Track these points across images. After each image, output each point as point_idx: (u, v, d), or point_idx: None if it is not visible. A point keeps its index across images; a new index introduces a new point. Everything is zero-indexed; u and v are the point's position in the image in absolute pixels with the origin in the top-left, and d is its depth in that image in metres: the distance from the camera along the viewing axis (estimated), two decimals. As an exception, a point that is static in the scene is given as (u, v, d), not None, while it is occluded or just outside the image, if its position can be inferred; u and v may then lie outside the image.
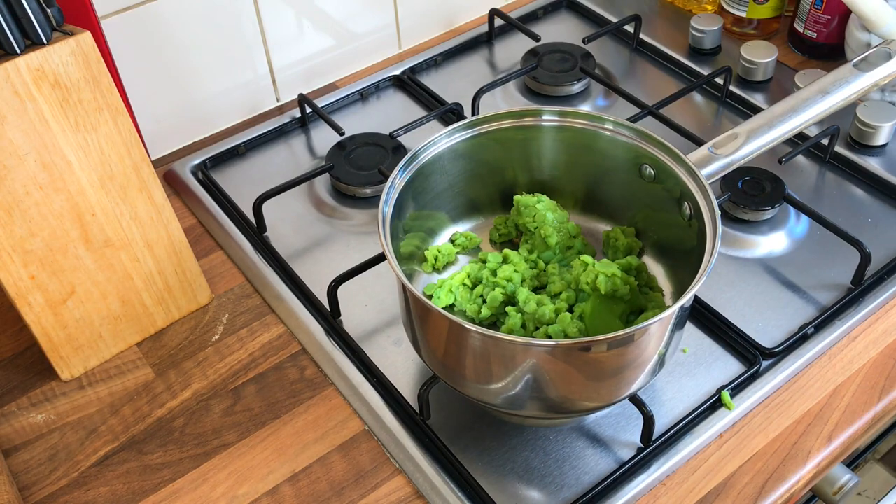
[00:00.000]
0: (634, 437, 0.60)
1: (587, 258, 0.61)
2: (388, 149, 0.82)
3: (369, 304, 0.70)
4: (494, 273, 0.64)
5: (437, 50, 0.97)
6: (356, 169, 0.80)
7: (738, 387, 0.63)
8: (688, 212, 0.60)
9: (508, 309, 0.61)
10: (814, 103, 0.66)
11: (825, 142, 0.81)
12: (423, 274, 0.68)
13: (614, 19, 0.99)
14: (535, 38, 0.93)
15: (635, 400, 0.59)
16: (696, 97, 0.91)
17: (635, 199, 0.65)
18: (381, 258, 0.68)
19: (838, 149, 0.82)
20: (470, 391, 0.57)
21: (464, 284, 0.64)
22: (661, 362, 0.58)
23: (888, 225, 0.76)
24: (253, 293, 0.72)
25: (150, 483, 0.60)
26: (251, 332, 0.69)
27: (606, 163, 0.64)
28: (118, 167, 0.59)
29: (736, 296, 0.70)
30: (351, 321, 0.69)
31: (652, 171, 0.62)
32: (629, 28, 0.97)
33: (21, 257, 0.58)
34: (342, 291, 0.68)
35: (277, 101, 0.92)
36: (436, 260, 0.67)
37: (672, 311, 0.52)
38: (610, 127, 0.63)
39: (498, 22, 0.99)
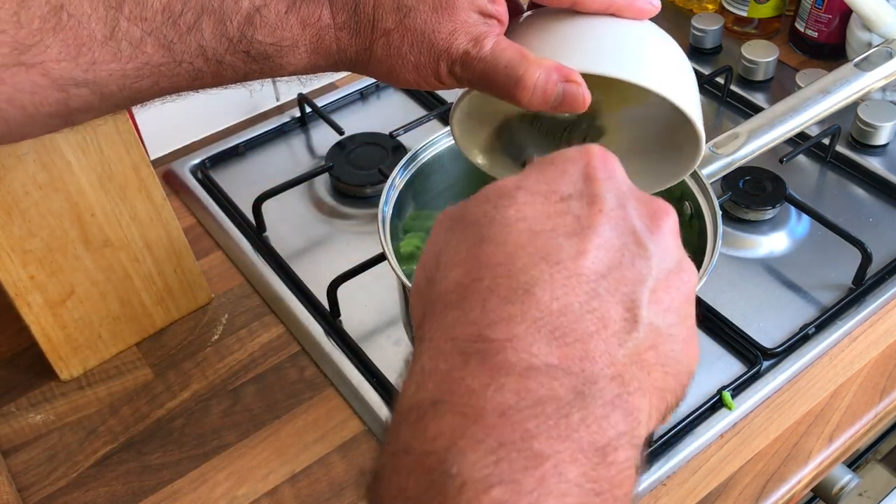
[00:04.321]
0: (635, 437, 0.60)
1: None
2: (388, 149, 0.82)
3: (369, 304, 0.70)
4: (494, 273, 0.64)
5: (437, 49, 0.96)
6: (356, 169, 0.80)
7: (738, 387, 0.63)
8: (688, 211, 0.60)
9: (508, 309, 0.61)
10: (815, 103, 0.66)
11: (826, 141, 0.81)
12: (423, 274, 0.68)
13: (615, 19, 0.99)
14: (536, 37, 0.93)
15: (636, 400, 0.59)
16: (697, 97, 0.91)
17: (636, 198, 0.65)
18: (381, 258, 0.68)
19: (839, 148, 0.81)
20: (470, 391, 0.56)
21: (464, 284, 0.64)
22: (661, 362, 0.58)
23: (889, 225, 0.75)
24: (252, 293, 0.72)
25: (149, 483, 0.60)
26: (251, 332, 0.69)
27: (607, 162, 0.64)
28: (117, 167, 0.59)
29: (737, 296, 0.70)
30: (351, 321, 0.68)
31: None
32: (630, 27, 0.97)
33: (20, 257, 0.58)
34: (342, 291, 0.68)
35: (277, 100, 0.92)
36: (436, 260, 0.67)
37: (673, 312, 0.51)
38: (610, 126, 0.62)
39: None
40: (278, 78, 0.45)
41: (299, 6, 0.41)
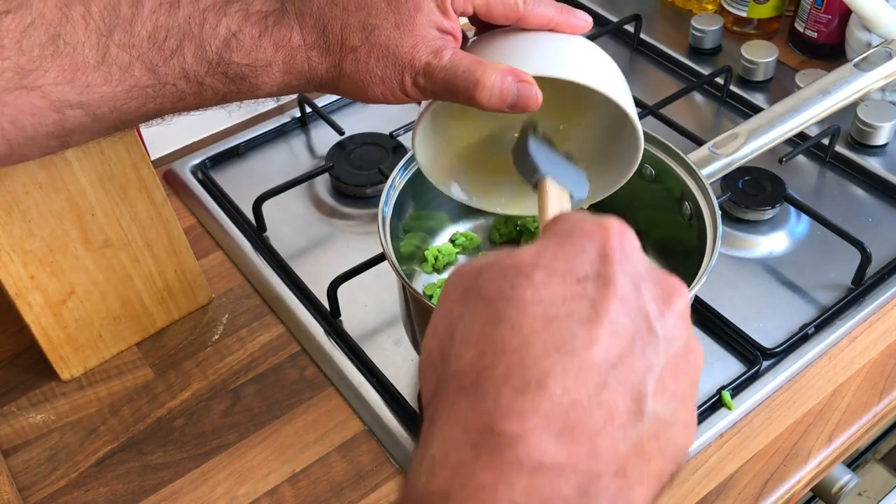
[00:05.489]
0: (635, 437, 0.60)
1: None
2: (388, 149, 0.82)
3: (369, 304, 0.70)
4: (494, 273, 0.64)
5: (437, 50, 0.96)
6: (356, 169, 0.80)
7: (738, 387, 0.63)
8: (688, 212, 0.60)
9: (508, 309, 0.61)
10: (814, 103, 0.66)
11: (825, 141, 0.81)
12: (423, 274, 0.68)
13: (614, 19, 0.99)
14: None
15: (635, 400, 0.59)
16: (697, 97, 0.91)
17: (635, 199, 0.65)
18: (381, 258, 0.68)
19: (839, 148, 0.82)
20: (470, 391, 0.56)
21: (464, 284, 0.64)
22: (661, 362, 0.58)
23: (889, 225, 0.76)
24: (252, 293, 0.72)
25: (149, 483, 0.60)
26: (251, 332, 0.69)
27: (607, 163, 0.65)
28: (118, 167, 0.59)
29: (736, 296, 0.70)
30: (351, 321, 0.69)
31: (652, 170, 0.62)
32: (629, 28, 0.97)
33: (21, 257, 0.58)
34: (342, 291, 0.68)
35: (277, 100, 0.92)
36: (436, 260, 0.67)
37: (672, 312, 0.52)
38: (610, 127, 0.63)
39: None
40: (256, 99, 0.48)
41: (271, 30, 0.44)
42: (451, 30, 0.45)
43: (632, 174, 0.54)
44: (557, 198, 0.46)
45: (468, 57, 0.45)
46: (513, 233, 0.69)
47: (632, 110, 0.48)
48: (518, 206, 0.59)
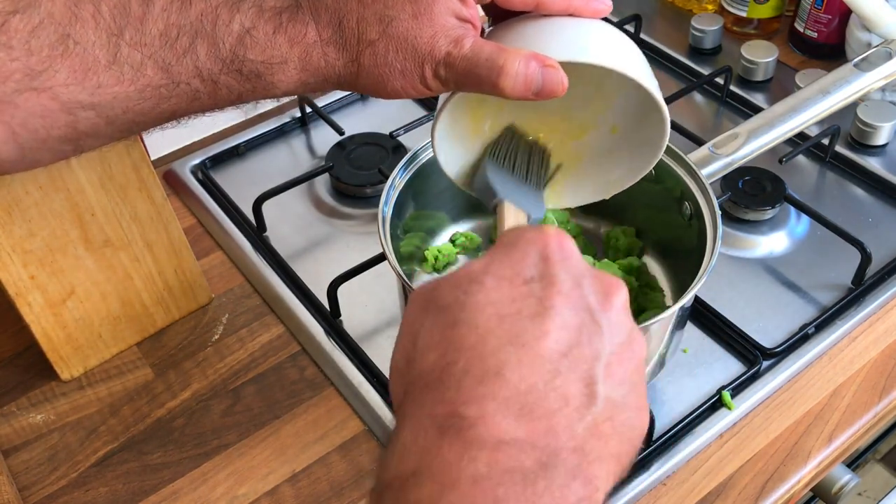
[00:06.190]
0: (635, 437, 0.60)
1: (588, 258, 0.61)
2: (388, 149, 0.82)
3: (369, 304, 0.70)
4: (494, 273, 0.64)
5: (437, 50, 0.96)
6: (356, 169, 0.80)
7: (738, 387, 0.63)
8: (688, 212, 0.60)
9: (508, 309, 0.61)
10: (814, 103, 0.66)
11: (825, 141, 0.81)
12: (423, 274, 0.68)
13: (614, 19, 0.99)
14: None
15: (635, 400, 0.59)
16: (697, 97, 0.91)
17: (635, 199, 0.65)
18: (381, 258, 0.68)
19: (839, 148, 0.82)
20: (470, 391, 0.56)
21: (464, 284, 0.64)
22: (661, 362, 0.58)
23: (889, 225, 0.76)
24: (253, 293, 0.72)
25: (149, 483, 0.60)
26: (251, 332, 0.69)
27: (607, 163, 0.65)
28: (117, 167, 0.59)
29: (736, 296, 0.70)
30: (351, 321, 0.69)
31: (652, 170, 0.62)
32: (629, 27, 0.97)
33: (21, 257, 0.58)
34: (342, 291, 0.68)
35: (277, 100, 0.92)
36: (436, 260, 0.67)
37: (672, 312, 0.52)
38: (610, 127, 0.63)
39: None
40: (273, 99, 0.47)
41: (286, 26, 0.43)
42: (471, 17, 0.44)
43: (658, 158, 0.53)
44: (514, 221, 0.46)
45: (489, 44, 0.43)
46: (513, 233, 0.69)
47: (657, 92, 0.47)
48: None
